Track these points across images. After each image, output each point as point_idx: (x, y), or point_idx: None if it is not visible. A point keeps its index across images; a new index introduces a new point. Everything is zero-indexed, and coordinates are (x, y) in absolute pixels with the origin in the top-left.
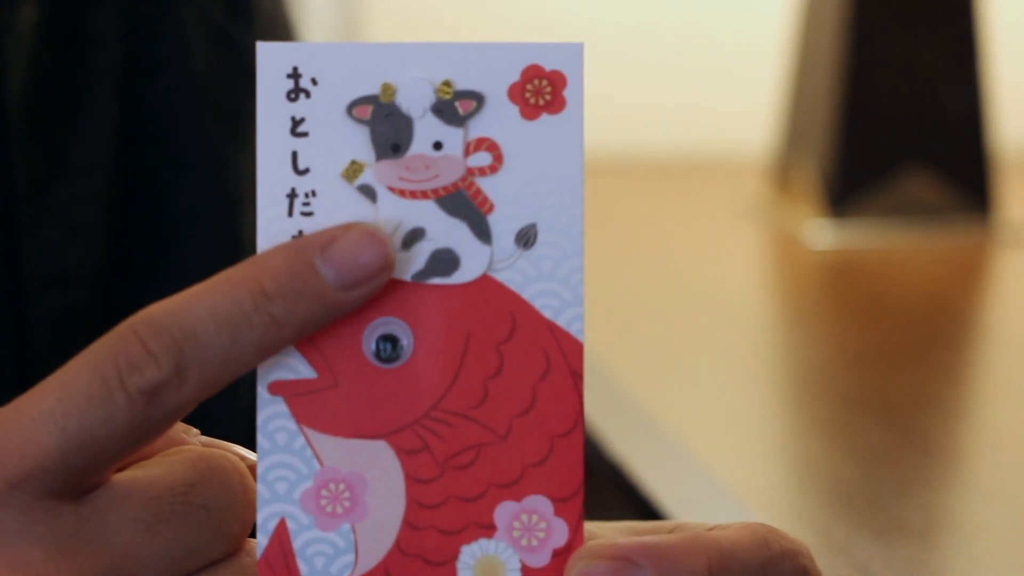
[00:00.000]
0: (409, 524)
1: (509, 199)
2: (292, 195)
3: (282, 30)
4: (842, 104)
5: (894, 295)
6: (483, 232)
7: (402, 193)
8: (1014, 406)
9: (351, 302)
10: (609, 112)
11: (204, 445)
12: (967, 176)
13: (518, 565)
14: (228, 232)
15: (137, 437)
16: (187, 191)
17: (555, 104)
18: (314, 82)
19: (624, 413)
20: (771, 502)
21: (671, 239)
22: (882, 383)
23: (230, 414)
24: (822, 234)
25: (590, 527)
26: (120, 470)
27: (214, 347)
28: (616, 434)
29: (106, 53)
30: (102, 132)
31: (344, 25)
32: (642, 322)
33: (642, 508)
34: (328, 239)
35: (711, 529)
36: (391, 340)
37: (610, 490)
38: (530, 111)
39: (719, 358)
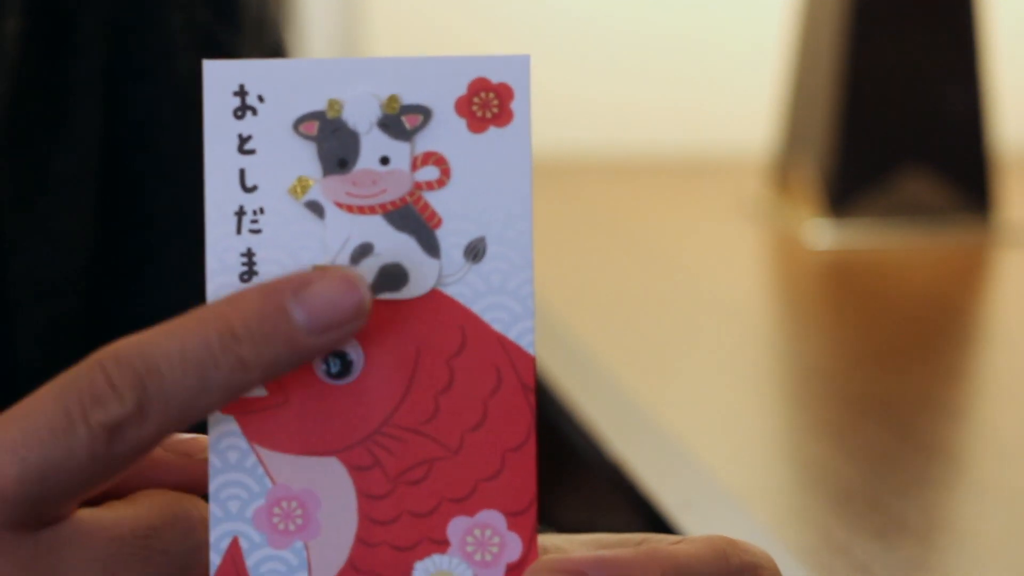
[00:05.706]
0: (362, 541)
1: (457, 213)
2: (240, 213)
3: (269, 33)
4: (842, 104)
5: (894, 295)
6: (431, 246)
7: (350, 208)
8: (1014, 406)
9: (321, 347)
10: (609, 112)
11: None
12: (967, 176)
13: None
14: None
15: (99, 472)
16: (173, 198)
17: (502, 117)
18: (260, 99)
19: (624, 413)
20: (771, 502)
21: (671, 239)
22: (882, 383)
23: None
24: (822, 234)
25: (556, 540)
26: (95, 504)
27: (179, 386)
28: (616, 434)
29: (91, 61)
30: (87, 140)
31: (344, 28)
32: (642, 322)
33: (642, 508)
34: (303, 282)
35: (676, 543)
36: (340, 356)
37: (610, 490)
38: (477, 124)
39: (719, 358)
